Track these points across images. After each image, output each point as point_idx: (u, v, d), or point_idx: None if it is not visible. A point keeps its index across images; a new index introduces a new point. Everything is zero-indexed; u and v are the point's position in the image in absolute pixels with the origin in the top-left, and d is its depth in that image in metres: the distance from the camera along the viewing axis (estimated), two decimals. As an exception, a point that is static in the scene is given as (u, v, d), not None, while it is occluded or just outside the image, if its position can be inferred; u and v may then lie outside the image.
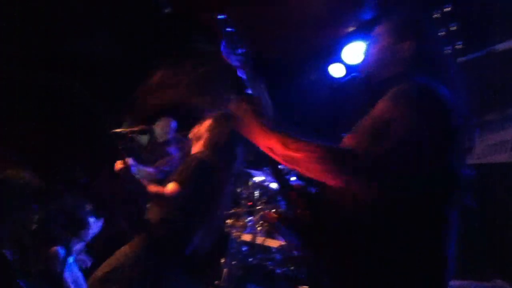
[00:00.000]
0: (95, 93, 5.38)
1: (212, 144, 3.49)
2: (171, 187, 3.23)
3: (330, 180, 1.64)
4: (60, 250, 4.20)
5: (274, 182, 2.04)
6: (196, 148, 3.55)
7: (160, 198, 3.24)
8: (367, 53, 2.01)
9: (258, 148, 1.84)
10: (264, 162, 4.78)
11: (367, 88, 1.97)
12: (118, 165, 3.34)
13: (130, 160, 3.42)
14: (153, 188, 3.27)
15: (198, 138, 3.58)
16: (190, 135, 3.66)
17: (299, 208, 1.76)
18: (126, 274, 3.18)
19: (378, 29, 1.98)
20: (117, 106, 4.33)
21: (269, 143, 1.73)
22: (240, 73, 1.85)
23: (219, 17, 1.85)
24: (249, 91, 1.84)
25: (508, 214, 3.60)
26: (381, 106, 1.65)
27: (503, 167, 3.88)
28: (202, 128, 3.58)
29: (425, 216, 1.59)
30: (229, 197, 3.65)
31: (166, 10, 5.62)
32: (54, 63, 5.62)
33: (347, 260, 1.61)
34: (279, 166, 1.85)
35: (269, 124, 1.75)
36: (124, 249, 3.34)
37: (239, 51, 1.86)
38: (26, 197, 4.24)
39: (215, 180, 3.42)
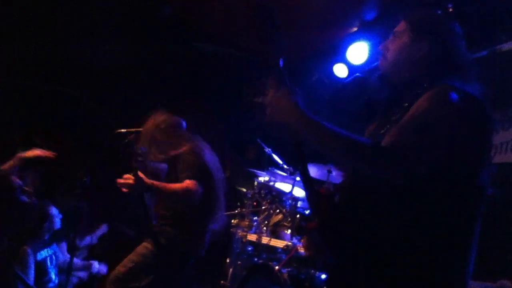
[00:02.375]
0: (99, 98, 5.43)
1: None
2: (189, 183, 3.24)
3: (362, 171, 1.66)
4: (29, 251, 4.26)
5: (303, 188, 1.94)
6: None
7: (179, 195, 3.24)
8: (385, 49, 1.97)
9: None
10: (269, 163, 4.78)
11: (384, 85, 1.96)
12: (126, 180, 3.17)
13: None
14: (171, 186, 3.26)
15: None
16: None
17: (324, 215, 1.76)
18: (135, 273, 3.27)
19: (400, 26, 1.96)
20: (120, 109, 4.37)
21: (311, 131, 1.69)
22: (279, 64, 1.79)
23: (262, 5, 1.78)
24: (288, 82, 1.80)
25: (510, 215, 3.60)
26: (417, 108, 1.65)
27: (505, 168, 3.88)
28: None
29: (451, 220, 1.63)
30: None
31: (167, 12, 5.65)
32: (57, 70, 5.66)
33: (368, 263, 1.64)
34: (308, 171, 1.81)
35: (309, 115, 1.70)
36: (135, 251, 3.41)
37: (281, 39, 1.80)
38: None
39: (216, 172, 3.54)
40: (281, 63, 1.79)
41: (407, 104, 1.75)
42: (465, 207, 1.65)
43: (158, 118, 3.63)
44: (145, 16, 5.69)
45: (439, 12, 2.06)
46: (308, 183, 1.80)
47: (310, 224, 1.78)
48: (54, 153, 3.74)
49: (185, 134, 3.62)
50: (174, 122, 3.64)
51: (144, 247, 3.39)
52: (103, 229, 5.44)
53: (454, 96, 1.63)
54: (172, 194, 3.26)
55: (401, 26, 1.96)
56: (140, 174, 3.15)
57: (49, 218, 4.49)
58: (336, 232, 1.72)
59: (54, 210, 4.57)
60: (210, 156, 3.57)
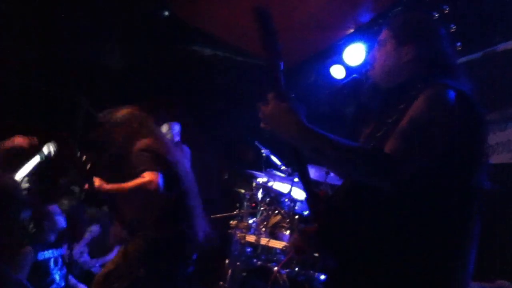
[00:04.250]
0: (95, 98, 5.41)
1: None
2: (148, 174, 3.12)
3: (363, 179, 1.64)
4: (29, 249, 4.25)
5: (302, 189, 1.92)
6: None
7: (138, 190, 3.12)
8: (372, 58, 2.00)
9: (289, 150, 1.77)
10: (267, 165, 4.80)
11: (375, 94, 1.98)
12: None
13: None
14: (127, 184, 3.15)
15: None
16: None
17: (322, 217, 1.77)
18: (126, 272, 3.22)
19: (383, 35, 1.98)
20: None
21: (311, 143, 1.66)
22: (278, 70, 1.75)
23: (259, 10, 1.71)
24: (285, 90, 1.75)
25: (508, 215, 3.62)
26: (416, 110, 1.65)
27: (504, 168, 3.90)
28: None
29: (447, 222, 1.64)
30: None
31: (165, 14, 5.66)
32: (55, 70, 5.66)
33: (366, 264, 1.65)
34: (308, 174, 1.81)
35: (307, 125, 1.67)
36: (125, 248, 3.38)
37: (278, 44, 1.76)
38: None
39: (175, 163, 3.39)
40: (281, 66, 1.77)
41: (403, 106, 1.75)
42: (461, 208, 1.66)
43: (118, 113, 3.49)
44: (145, 18, 5.71)
45: (422, 15, 2.07)
46: (308, 187, 1.81)
47: (309, 227, 1.79)
48: (34, 138, 3.64)
49: (146, 130, 3.45)
50: (135, 118, 3.48)
51: (126, 248, 3.35)
52: (93, 232, 5.27)
53: (451, 95, 1.64)
54: (131, 191, 3.12)
55: (384, 34, 1.98)
56: (97, 181, 3.16)
57: (47, 216, 4.45)
58: (335, 236, 1.73)
59: (54, 208, 4.51)
60: (176, 156, 3.45)
